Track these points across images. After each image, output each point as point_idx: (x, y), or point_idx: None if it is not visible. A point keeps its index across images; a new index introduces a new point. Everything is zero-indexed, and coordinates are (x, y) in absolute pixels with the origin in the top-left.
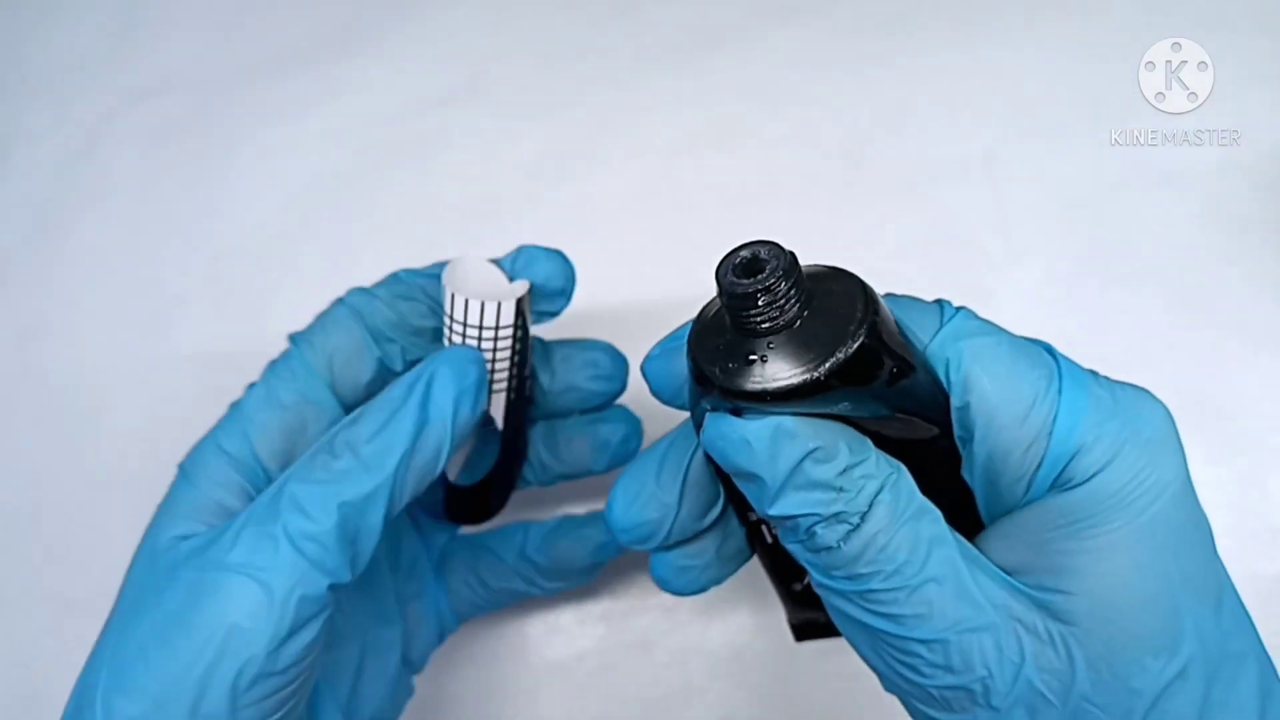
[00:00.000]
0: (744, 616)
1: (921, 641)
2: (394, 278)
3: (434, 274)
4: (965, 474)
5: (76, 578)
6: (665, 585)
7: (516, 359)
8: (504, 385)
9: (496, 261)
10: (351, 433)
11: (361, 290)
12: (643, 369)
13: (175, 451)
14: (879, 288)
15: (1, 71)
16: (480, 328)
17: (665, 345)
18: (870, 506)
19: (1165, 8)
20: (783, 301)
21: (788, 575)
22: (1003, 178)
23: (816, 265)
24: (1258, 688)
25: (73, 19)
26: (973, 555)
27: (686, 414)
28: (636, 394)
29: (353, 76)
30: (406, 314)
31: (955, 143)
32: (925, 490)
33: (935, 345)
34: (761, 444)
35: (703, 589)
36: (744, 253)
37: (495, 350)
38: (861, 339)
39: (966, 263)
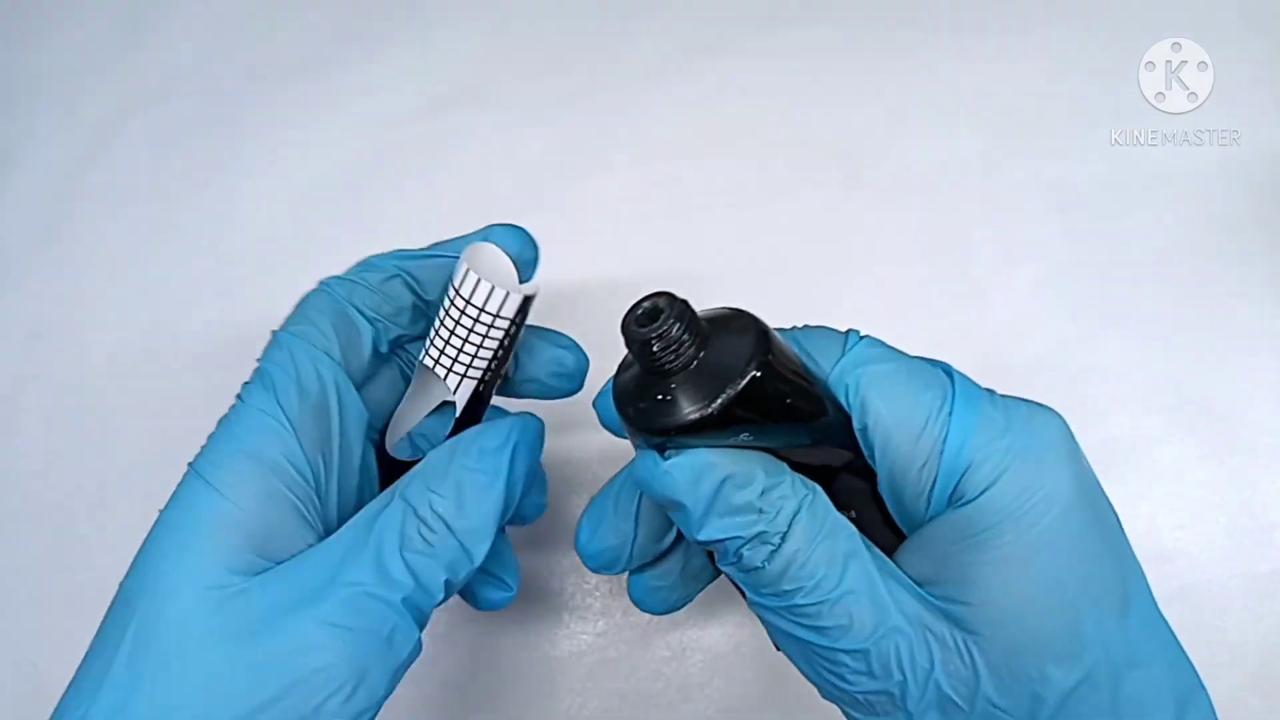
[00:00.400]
0: (742, 613)
1: (845, 651)
2: (366, 263)
3: (405, 255)
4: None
5: (83, 576)
6: (641, 605)
7: (500, 354)
8: (478, 375)
9: (473, 242)
10: (445, 507)
11: (338, 277)
12: (594, 405)
13: (183, 451)
14: (879, 289)
15: (10, 74)
16: (481, 311)
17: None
18: (789, 527)
19: (1165, 8)
20: (677, 345)
21: None
22: (1001, 178)
23: (718, 309)
24: (1171, 692)
25: (81, 22)
26: (888, 568)
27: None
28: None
29: (358, 81)
30: (387, 295)
31: (953, 144)
32: (851, 510)
33: (836, 373)
34: (681, 475)
35: (675, 607)
36: (645, 303)
37: (485, 339)
38: (751, 374)
39: (964, 264)
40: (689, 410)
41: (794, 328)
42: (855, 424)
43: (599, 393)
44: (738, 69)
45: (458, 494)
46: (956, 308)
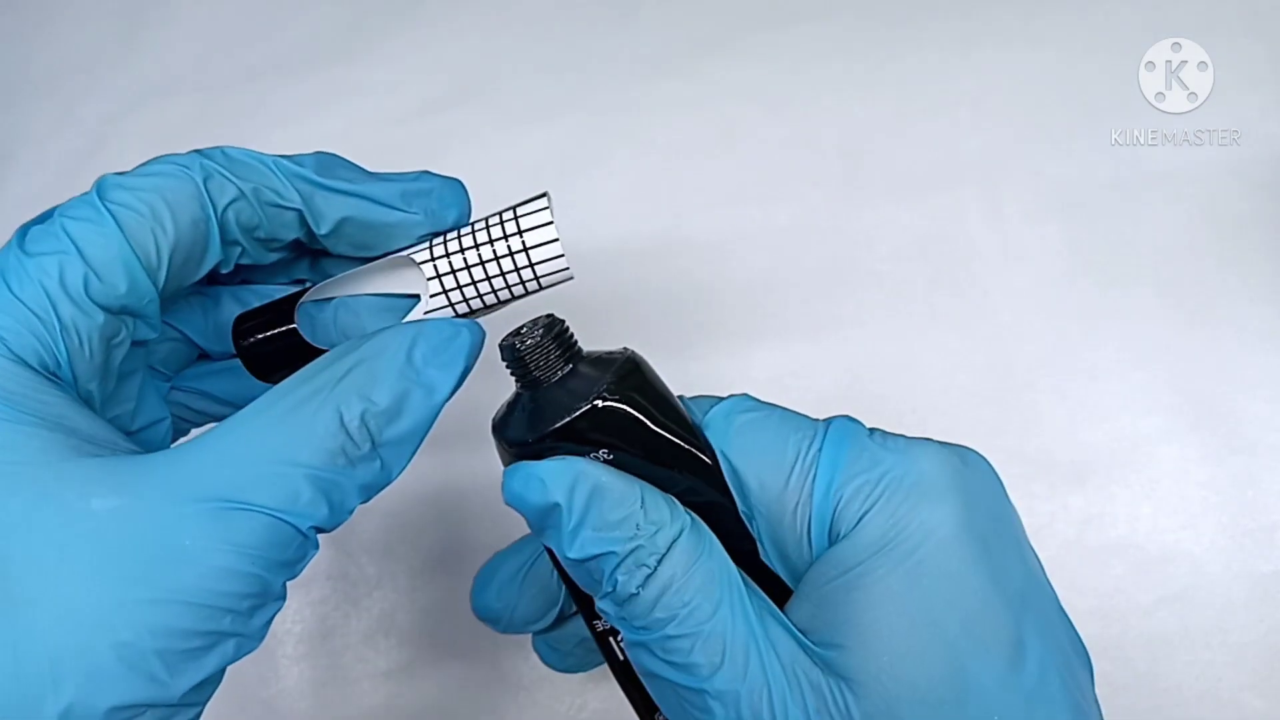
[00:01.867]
0: None
1: (713, 694)
2: (264, 161)
3: (322, 165)
4: (764, 557)
5: None
6: (542, 659)
7: (495, 305)
8: (461, 305)
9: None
10: (378, 417)
11: (225, 155)
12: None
13: None
14: (879, 289)
15: (6, 73)
16: (530, 263)
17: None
18: (668, 549)
19: (1165, 8)
20: (543, 355)
21: (648, 703)
22: (1001, 178)
23: (611, 350)
24: None
25: (77, 21)
26: (767, 607)
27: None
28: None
29: (355, 79)
30: (271, 220)
31: (954, 143)
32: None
33: (705, 422)
34: (556, 478)
35: (574, 670)
36: (525, 325)
37: (504, 285)
38: (616, 380)
39: (965, 264)
40: (553, 417)
41: (680, 396)
42: (725, 470)
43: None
44: (738, 68)
45: (398, 401)
46: (957, 308)
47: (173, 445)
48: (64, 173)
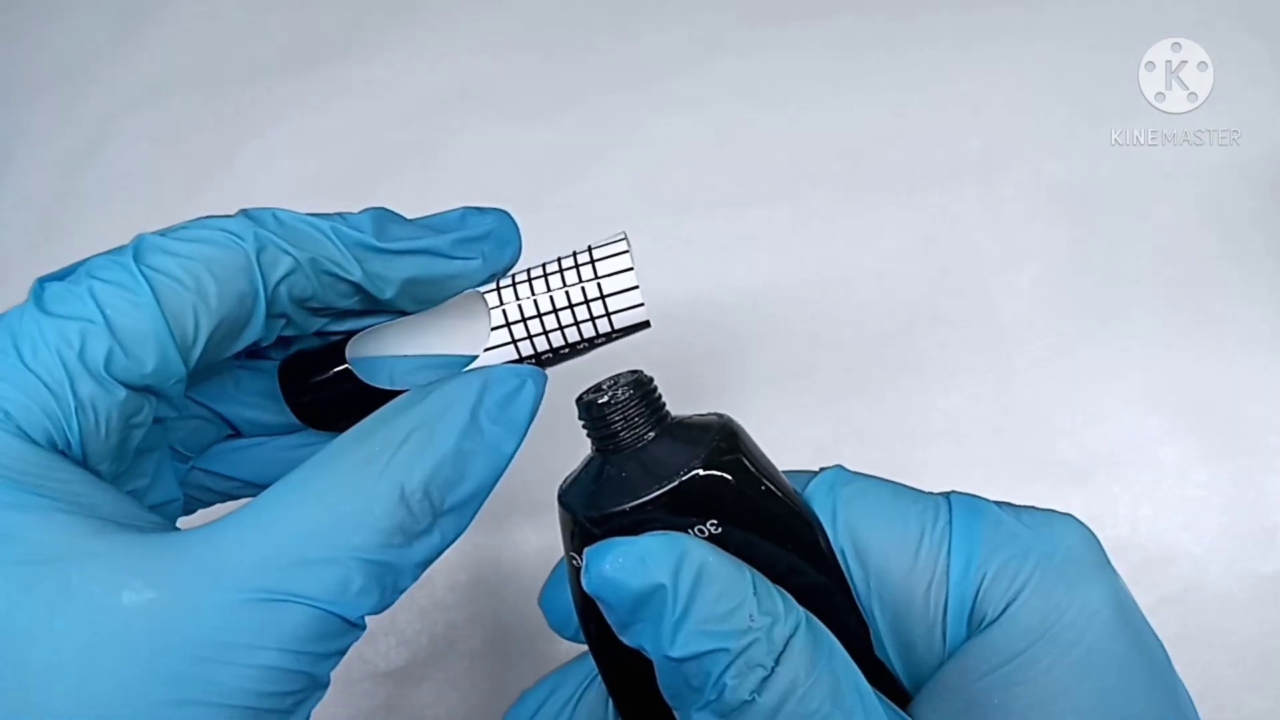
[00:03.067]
0: None
1: None
2: (317, 227)
3: (386, 230)
4: (878, 650)
5: None
6: None
7: (567, 350)
8: (528, 348)
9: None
10: (440, 485)
11: (279, 219)
12: (540, 603)
13: None
14: (879, 290)
15: (6, 72)
16: (603, 303)
17: (555, 574)
18: (785, 646)
19: (1165, 8)
20: (628, 414)
21: None
22: (1001, 178)
23: (703, 414)
24: None
25: (77, 20)
26: (900, 714)
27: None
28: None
29: (354, 79)
30: (326, 288)
31: (954, 143)
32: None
33: (808, 494)
34: (659, 556)
35: None
36: (607, 381)
37: (575, 327)
38: (717, 450)
39: (965, 264)
40: (647, 485)
41: None
42: (836, 547)
43: (544, 587)
44: (738, 68)
45: (461, 466)
46: (958, 308)
47: (202, 522)
48: (63, 172)
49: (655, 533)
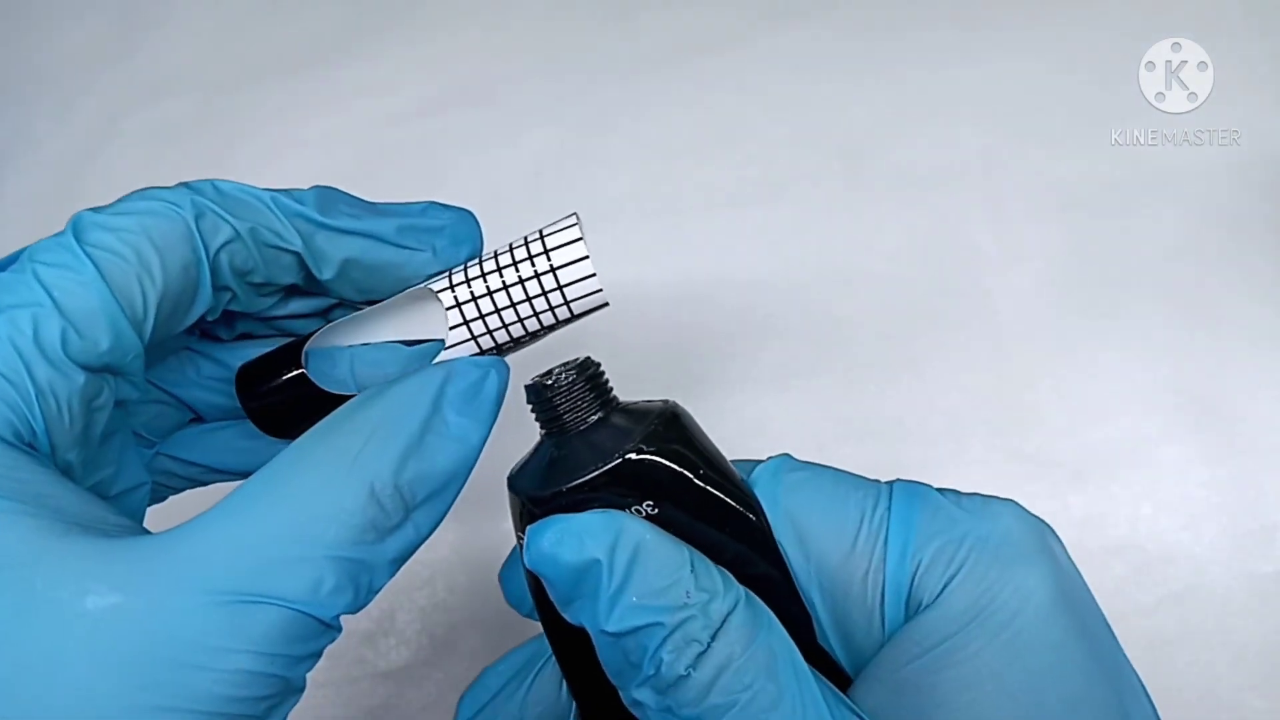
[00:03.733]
0: None
1: None
2: (259, 198)
3: (320, 201)
4: (821, 639)
5: None
6: None
7: (525, 338)
8: (487, 341)
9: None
10: (410, 480)
11: (215, 190)
12: (499, 578)
13: None
14: (879, 289)
15: (6, 72)
16: (559, 286)
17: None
18: (723, 622)
19: (1165, 8)
20: (574, 397)
21: None
22: (1001, 178)
23: (649, 400)
24: None
25: (77, 20)
26: (836, 695)
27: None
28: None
29: (354, 78)
30: (268, 262)
31: (954, 143)
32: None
33: (752, 481)
34: (595, 533)
35: None
36: (557, 367)
37: (531, 314)
38: (656, 429)
39: (965, 264)
40: (584, 466)
41: None
42: (777, 534)
43: (503, 565)
44: (738, 67)
45: (429, 458)
46: (958, 308)
47: (166, 520)
48: (63, 172)
49: (594, 511)
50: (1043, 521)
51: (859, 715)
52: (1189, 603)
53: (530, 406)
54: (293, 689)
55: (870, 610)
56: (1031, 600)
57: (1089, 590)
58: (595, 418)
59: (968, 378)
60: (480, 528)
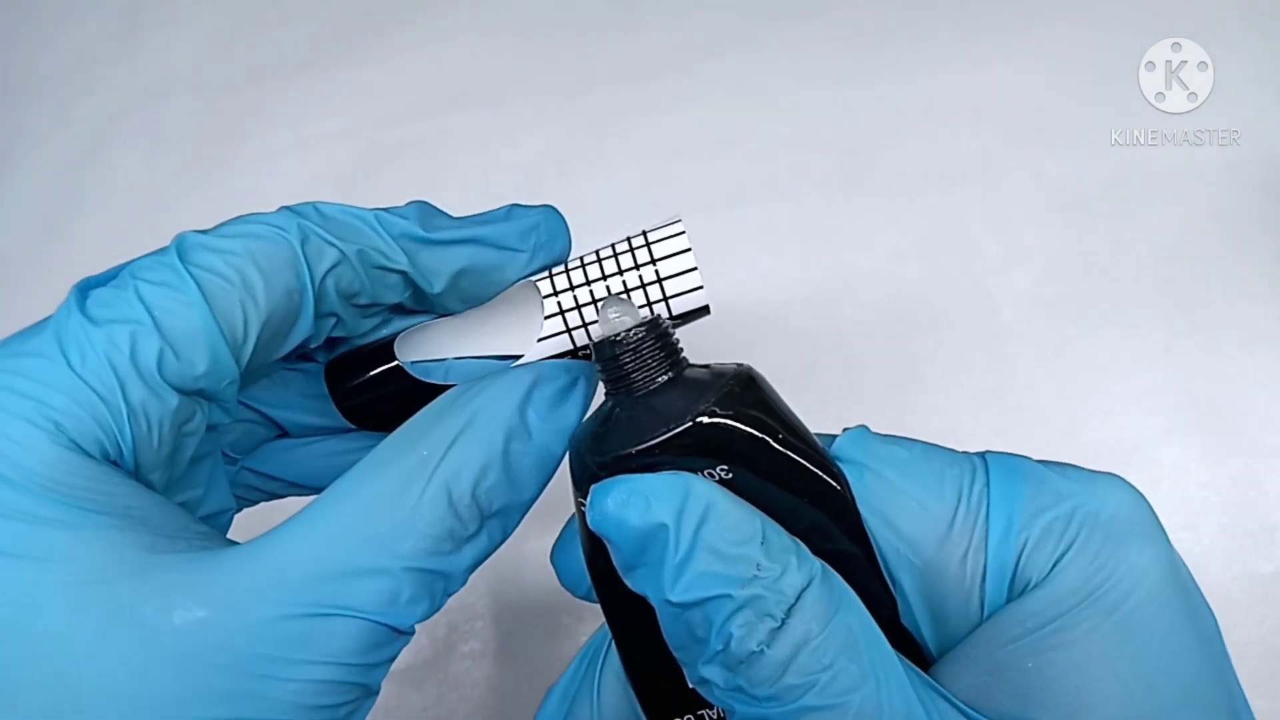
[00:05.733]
0: None
1: None
2: (364, 219)
3: (429, 222)
4: (904, 619)
5: None
6: None
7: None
8: (575, 337)
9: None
10: (489, 490)
11: (319, 213)
12: (551, 559)
13: None
14: (879, 289)
15: (5, 73)
16: (647, 296)
17: (567, 531)
18: (799, 597)
19: (1165, 8)
20: (643, 354)
21: None
22: (1001, 178)
23: (723, 363)
24: None
25: (76, 22)
26: (922, 677)
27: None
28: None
29: (354, 79)
30: (374, 282)
31: (954, 144)
32: None
33: (834, 452)
34: (663, 495)
35: None
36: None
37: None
38: (732, 403)
39: (965, 264)
40: (652, 429)
41: None
42: (864, 511)
43: (556, 543)
44: (738, 66)
45: (510, 468)
46: (958, 308)
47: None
48: (63, 173)
49: (662, 472)
50: (1138, 491)
51: (947, 697)
52: None
53: (597, 367)
54: (370, 693)
55: (969, 591)
56: (1145, 581)
57: (1192, 575)
58: (665, 378)
59: (967, 378)
60: None
